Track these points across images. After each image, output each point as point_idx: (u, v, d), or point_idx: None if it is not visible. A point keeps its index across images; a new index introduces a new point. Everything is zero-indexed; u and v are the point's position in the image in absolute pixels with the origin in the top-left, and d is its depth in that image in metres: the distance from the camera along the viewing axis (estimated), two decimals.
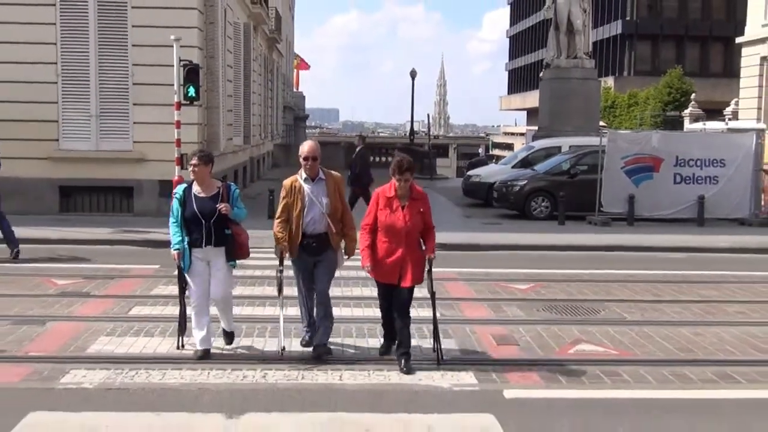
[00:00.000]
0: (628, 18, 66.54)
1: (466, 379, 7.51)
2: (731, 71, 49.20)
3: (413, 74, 47.64)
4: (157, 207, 18.42)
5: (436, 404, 6.86)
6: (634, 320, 10.35)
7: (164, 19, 18.52)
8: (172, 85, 17.28)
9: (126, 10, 18.94)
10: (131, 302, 10.52)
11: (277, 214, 8.12)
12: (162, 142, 18.20)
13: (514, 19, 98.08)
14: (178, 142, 17.33)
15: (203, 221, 7.79)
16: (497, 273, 13.50)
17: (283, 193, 8.02)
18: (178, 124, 17.35)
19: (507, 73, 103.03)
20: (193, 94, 17.46)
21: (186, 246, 7.85)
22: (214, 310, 8.38)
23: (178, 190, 7.99)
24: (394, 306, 7.82)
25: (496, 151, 48.97)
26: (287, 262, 8.23)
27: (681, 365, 8.36)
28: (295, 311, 8.86)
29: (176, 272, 8.16)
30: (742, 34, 38.76)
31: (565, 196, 20.46)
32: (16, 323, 9.51)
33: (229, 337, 8.42)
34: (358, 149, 19.92)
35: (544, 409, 6.88)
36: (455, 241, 15.48)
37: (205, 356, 7.92)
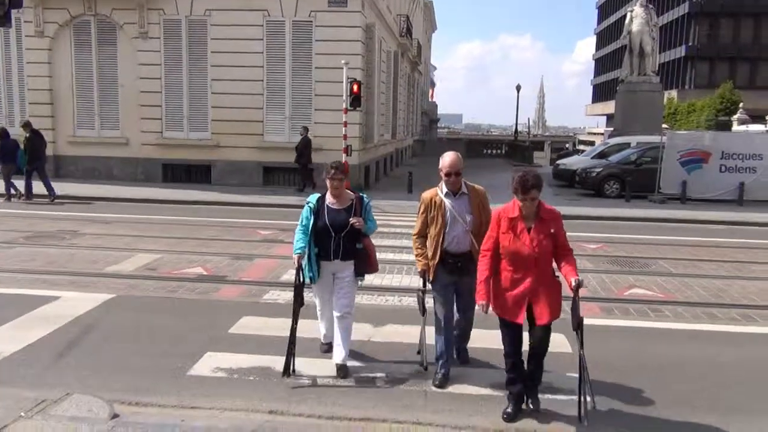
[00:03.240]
0: (690, 43, 62.69)
1: None
2: None
3: (518, 88, 47.63)
4: None
5: None
6: (678, 273, 10.05)
7: (338, 49, 19.00)
8: (342, 95, 17.80)
9: (311, 42, 19.55)
10: None
11: (416, 230, 5.64)
12: (334, 137, 18.69)
13: (599, 45, 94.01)
14: (345, 137, 17.85)
15: (333, 234, 5.62)
16: (575, 236, 13.20)
17: (421, 209, 5.59)
18: (345, 124, 17.82)
19: (592, 87, 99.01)
20: (357, 102, 17.97)
21: (314, 256, 5.67)
22: None
23: (311, 199, 5.76)
24: (531, 346, 4.95)
25: (582, 147, 47.47)
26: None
27: (711, 307, 8.15)
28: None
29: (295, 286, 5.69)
30: None
31: (632, 180, 19.79)
32: (234, 259, 10.20)
33: (343, 371, 5.64)
34: (302, 137, 18.95)
35: (601, 332, 6.90)
36: None
37: (332, 348, 5.88)
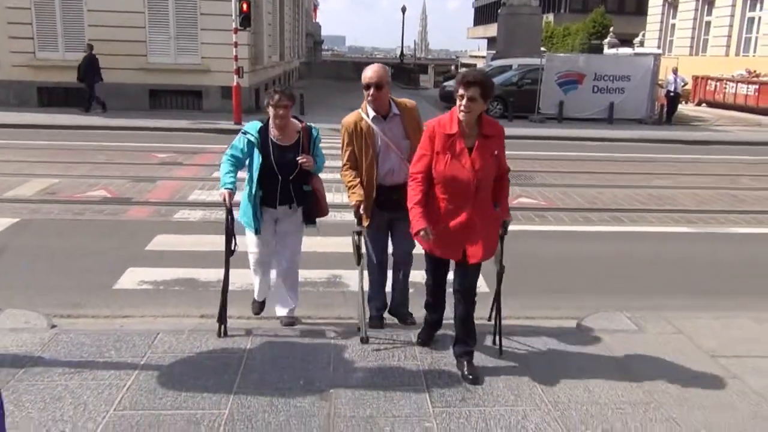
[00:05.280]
0: None
1: None
2: (642, 10, 48.18)
3: (403, 10, 47.62)
4: (221, 106, 18.76)
5: None
6: (558, 183, 11.08)
7: None
8: (231, 15, 17.37)
9: None
10: (212, 168, 10.96)
11: (343, 161, 4.61)
12: (223, 58, 18.23)
13: None
14: (236, 58, 17.52)
15: (280, 177, 4.63)
16: None
17: (345, 139, 4.55)
18: (235, 45, 17.50)
19: (473, 9, 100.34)
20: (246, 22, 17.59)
21: (258, 202, 4.71)
22: None
23: (251, 129, 4.64)
24: (457, 289, 4.19)
25: (464, 69, 48.79)
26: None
27: (587, 212, 9.15)
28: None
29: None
30: None
31: (514, 101, 20.81)
32: (135, 181, 10.15)
33: (290, 320, 5.04)
34: (85, 54, 17.93)
35: None
36: None
37: (263, 307, 5.22)
